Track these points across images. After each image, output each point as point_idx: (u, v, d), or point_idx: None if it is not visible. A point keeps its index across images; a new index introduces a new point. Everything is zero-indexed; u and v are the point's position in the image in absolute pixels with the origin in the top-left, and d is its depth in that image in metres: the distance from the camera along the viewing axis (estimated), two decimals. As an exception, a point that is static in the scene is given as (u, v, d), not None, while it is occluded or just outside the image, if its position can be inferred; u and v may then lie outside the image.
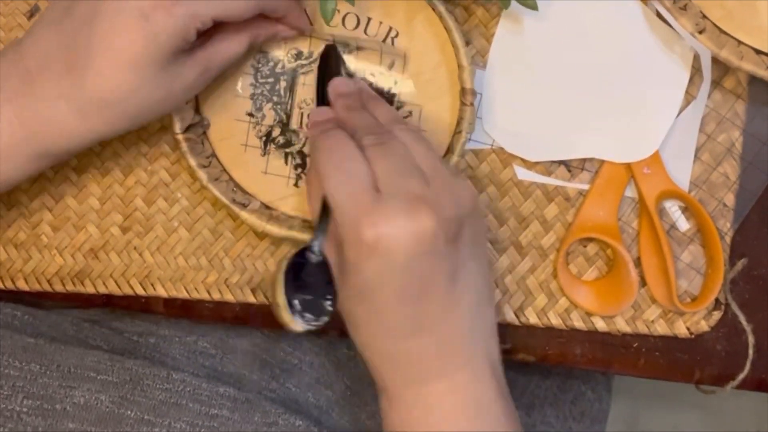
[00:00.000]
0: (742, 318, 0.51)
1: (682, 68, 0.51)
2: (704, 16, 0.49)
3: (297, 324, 0.42)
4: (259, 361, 0.57)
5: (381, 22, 0.51)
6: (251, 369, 0.57)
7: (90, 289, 0.53)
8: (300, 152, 0.52)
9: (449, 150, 0.50)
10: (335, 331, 0.52)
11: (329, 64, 0.51)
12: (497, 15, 0.52)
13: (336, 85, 0.49)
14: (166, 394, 0.48)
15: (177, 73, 0.44)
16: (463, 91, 0.50)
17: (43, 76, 0.43)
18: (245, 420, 0.49)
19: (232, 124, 0.52)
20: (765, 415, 1.19)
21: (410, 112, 0.51)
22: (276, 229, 0.50)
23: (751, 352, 0.51)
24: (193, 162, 0.50)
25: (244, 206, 0.50)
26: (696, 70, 0.51)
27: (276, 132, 0.52)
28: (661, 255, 0.50)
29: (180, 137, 0.50)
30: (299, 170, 0.52)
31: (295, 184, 0.52)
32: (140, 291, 0.53)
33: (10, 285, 0.54)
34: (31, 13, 0.55)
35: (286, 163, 0.52)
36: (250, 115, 0.52)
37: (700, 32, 0.49)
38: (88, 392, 0.47)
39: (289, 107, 0.52)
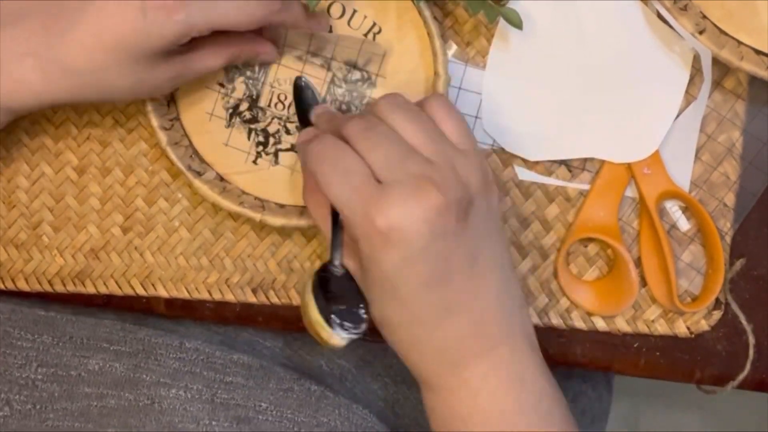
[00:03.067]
0: (742, 318, 0.51)
1: (682, 68, 0.51)
2: (704, 17, 0.49)
3: (337, 337, 0.42)
4: (271, 330, 0.56)
5: (365, 16, 0.51)
6: (264, 337, 0.57)
7: (91, 290, 0.54)
8: (264, 130, 0.52)
9: None
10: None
11: (305, 96, 0.51)
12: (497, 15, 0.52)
13: (319, 112, 0.49)
14: (179, 362, 0.49)
15: (149, 70, 0.44)
16: None
17: (14, 31, 0.43)
18: (260, 387, 0.49)
19: (201, 91, 0.52)
20: (765, 415, 1.19)
21: None
22: (227, 203, 0.50)
23: (751, 352, 0.52)
24: (155, 122, 0.50)
25: (198, 174, 0.50)
26: (696, 70, 0.51)
27: (244, 106, 0.52)
28: (661, 255, 0.51)
29: None
30: (260, 148, 0.52)
31: (254, 162, 0.52)
32: (141, 291, 0.53)
33: (10, 285, 0.54)
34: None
35: (249, 138, 0.52)
36: (221, 84, 0.52)
37: (701, 32, 0.49)
38: (102, 360, 0.47)
39: (260, 84, 0.52)
